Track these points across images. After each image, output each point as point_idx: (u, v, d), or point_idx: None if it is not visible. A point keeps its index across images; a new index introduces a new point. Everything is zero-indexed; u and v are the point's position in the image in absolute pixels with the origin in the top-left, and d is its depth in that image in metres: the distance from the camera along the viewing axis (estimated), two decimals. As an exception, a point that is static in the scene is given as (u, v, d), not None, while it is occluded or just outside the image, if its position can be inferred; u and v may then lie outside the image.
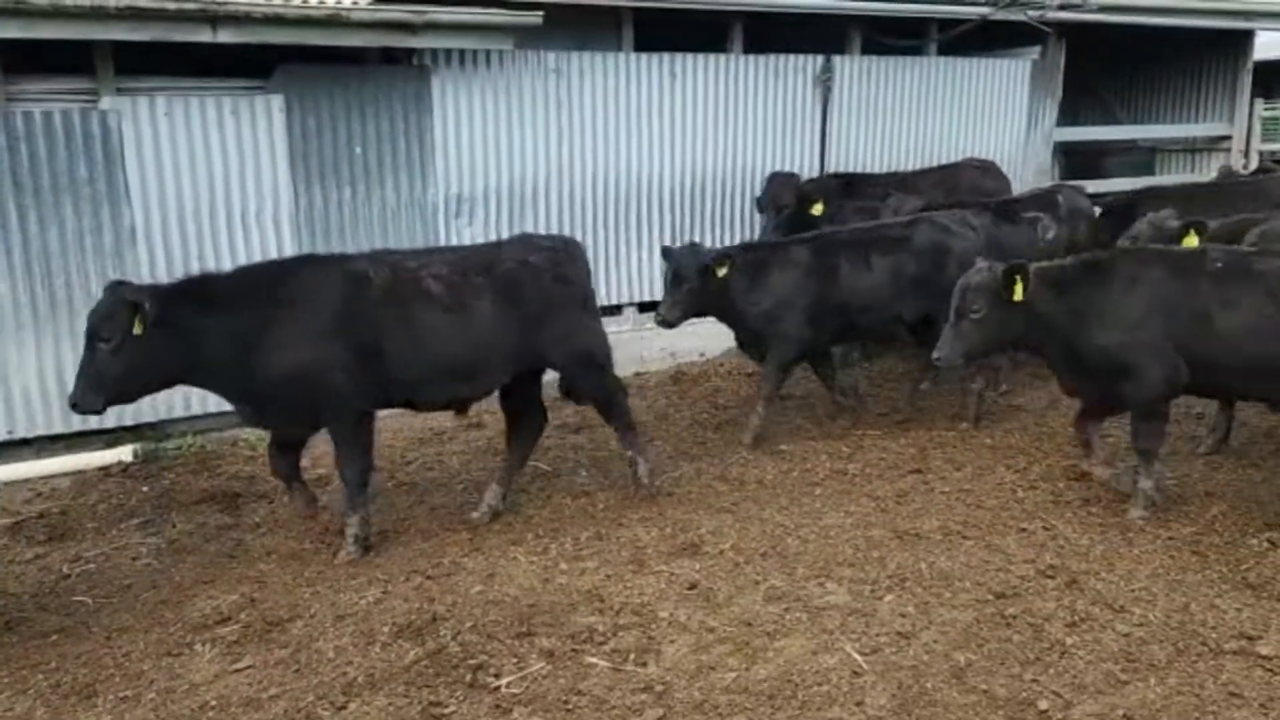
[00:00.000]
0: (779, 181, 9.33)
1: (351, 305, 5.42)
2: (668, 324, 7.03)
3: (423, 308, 5.54)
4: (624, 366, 8.58)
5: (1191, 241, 6.38)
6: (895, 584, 4.97)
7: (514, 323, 5.76)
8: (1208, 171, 13.03)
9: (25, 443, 7.12)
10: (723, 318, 7.32)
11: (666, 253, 7.26)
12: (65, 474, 6.93)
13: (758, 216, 9.84)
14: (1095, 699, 4.03)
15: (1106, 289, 5.50)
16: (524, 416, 6.25)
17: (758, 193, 9.79)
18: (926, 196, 8.99)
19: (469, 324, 5.61)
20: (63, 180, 7.05)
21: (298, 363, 5.28)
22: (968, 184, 9.39)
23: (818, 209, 8.83)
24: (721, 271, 6.90)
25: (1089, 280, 5.55)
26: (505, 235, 8.65)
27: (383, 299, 5.47)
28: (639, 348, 9.11)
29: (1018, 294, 5.46)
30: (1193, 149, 13.19)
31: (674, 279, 6.95)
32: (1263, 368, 5.32)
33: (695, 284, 6.87)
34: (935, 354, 5.72)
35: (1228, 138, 12.86)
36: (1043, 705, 3.99)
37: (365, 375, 5.43)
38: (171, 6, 6.74)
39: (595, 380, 6.15)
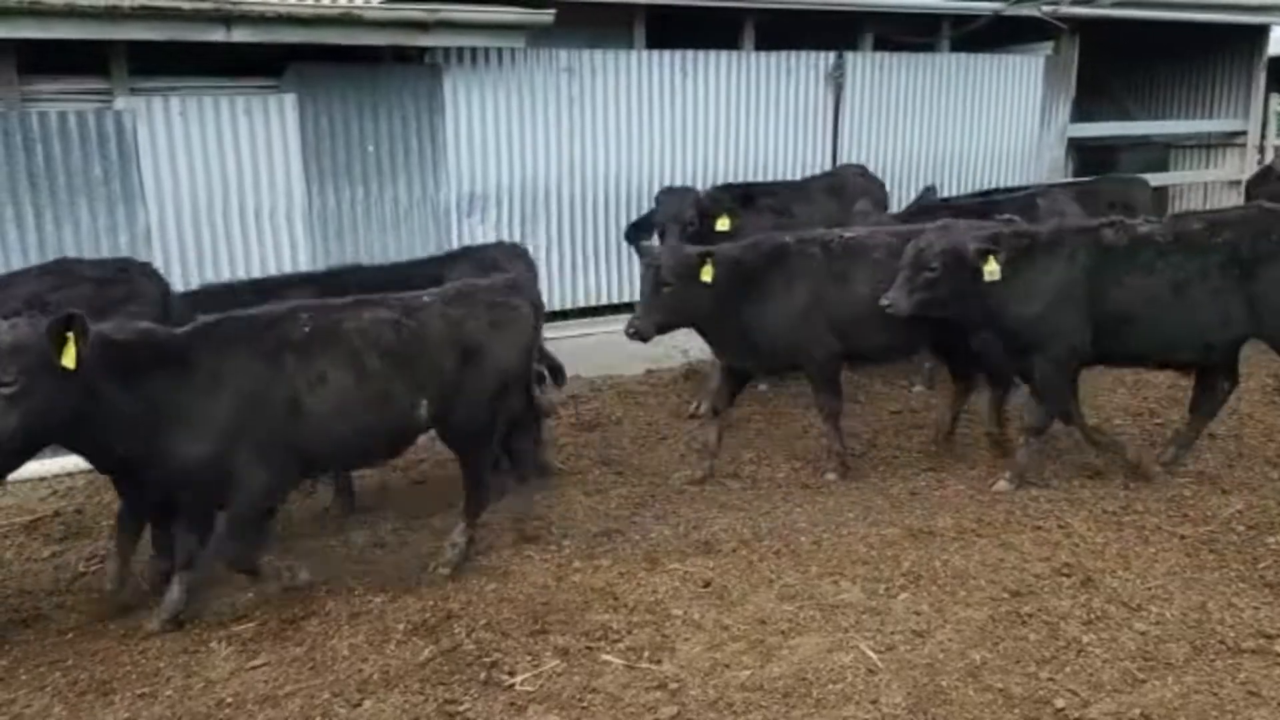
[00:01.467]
0: (677, 197, 8.09)
1: None
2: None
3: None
4: (634, 365, 8.64)
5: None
6: (909, 582, 4.96)
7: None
8: (1222, 167, 12.98)
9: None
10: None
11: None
12: (81, 472, 6.95)
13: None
14: (1112, 697, 4.01)
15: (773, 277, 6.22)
16: None
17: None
18: (820, 205, 8.57)
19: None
20: (78, 180, 7.08)
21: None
22: (855, 190, 8.79)
23: (723, 223, 7.91)
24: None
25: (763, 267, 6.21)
26: (517, 234, 8.70)
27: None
28: (649, 345, 9.08)
29: (706, 275, 5.92)
30: (1207, 145, 13.12)
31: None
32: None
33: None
34: (628, 328, 6.08)
35: (1242, 133, 12.79)
36: (1059, 704, 3.97)
37: None
38: (186, 6, 6.77)
39: None
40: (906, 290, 5.84)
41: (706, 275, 6.06)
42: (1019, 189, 9.18)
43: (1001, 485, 6.07)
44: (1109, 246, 5.90)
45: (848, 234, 6.67)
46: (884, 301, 5.89)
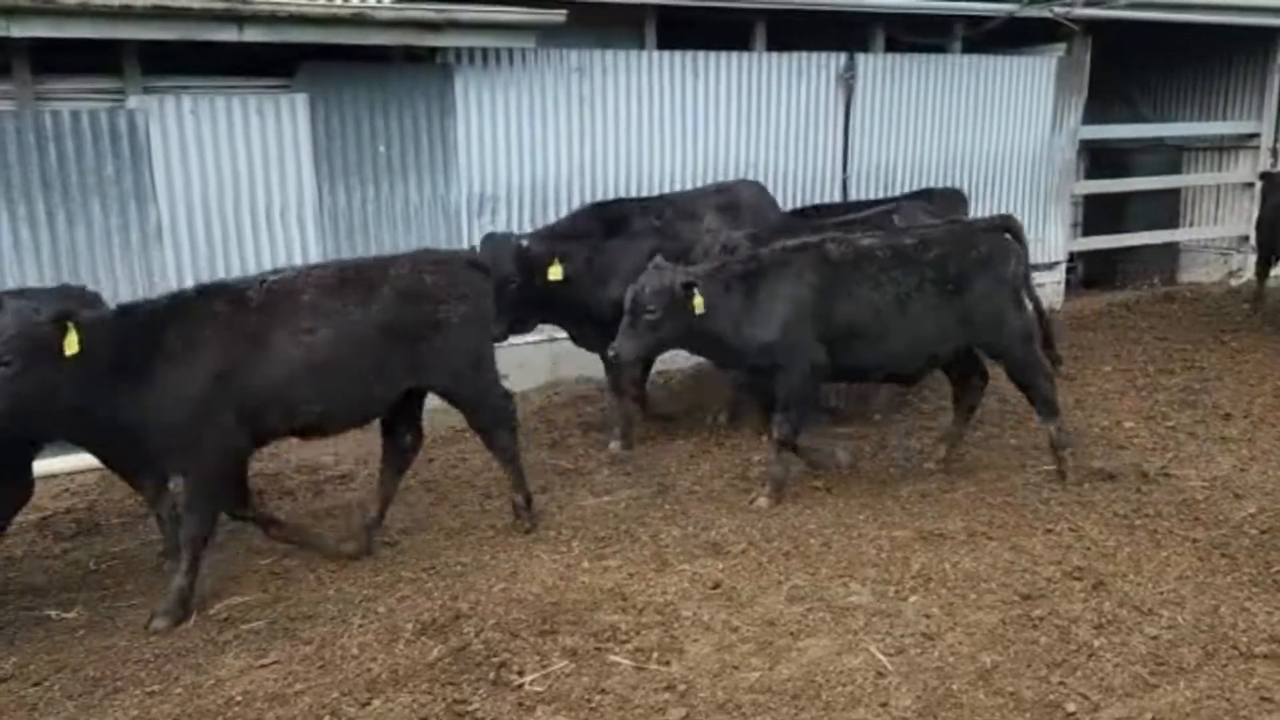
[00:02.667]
0: (494, 247, 6.82)
1: None
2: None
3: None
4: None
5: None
6: (919, 585, 4.94)
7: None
8: (1235, 169, 12.91)
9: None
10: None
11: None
12: (93, 469, 6.97)
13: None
14: (1123, 702, 3.99)
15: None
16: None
17: (782, 191, 9.74)
18: (710, 220, 7.81)
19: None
20: (90, 179, 7.10)
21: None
22: (749, 203, 8.28)
23: (555, 272, 6.79)
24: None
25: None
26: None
27: None
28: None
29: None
30: (1220, 147, 13.05)
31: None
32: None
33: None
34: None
35: (1256, 135, 12.71)
36: (1070, 708, 3.96)
37: None
38: (198, 5, 6.79)
39: None
40: (631, 335, 5.79)
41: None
42: (875, 202, 8.75)
43: (762, 502, 6.08)
44: (836, 262, 5.99)
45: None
46: (610, 351, 5.88)
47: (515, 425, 5.88)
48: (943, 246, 6.11)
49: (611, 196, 9.04)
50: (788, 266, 5.96)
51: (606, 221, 7.46)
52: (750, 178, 9.68)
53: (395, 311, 5.24)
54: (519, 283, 6.71)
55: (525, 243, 6.90)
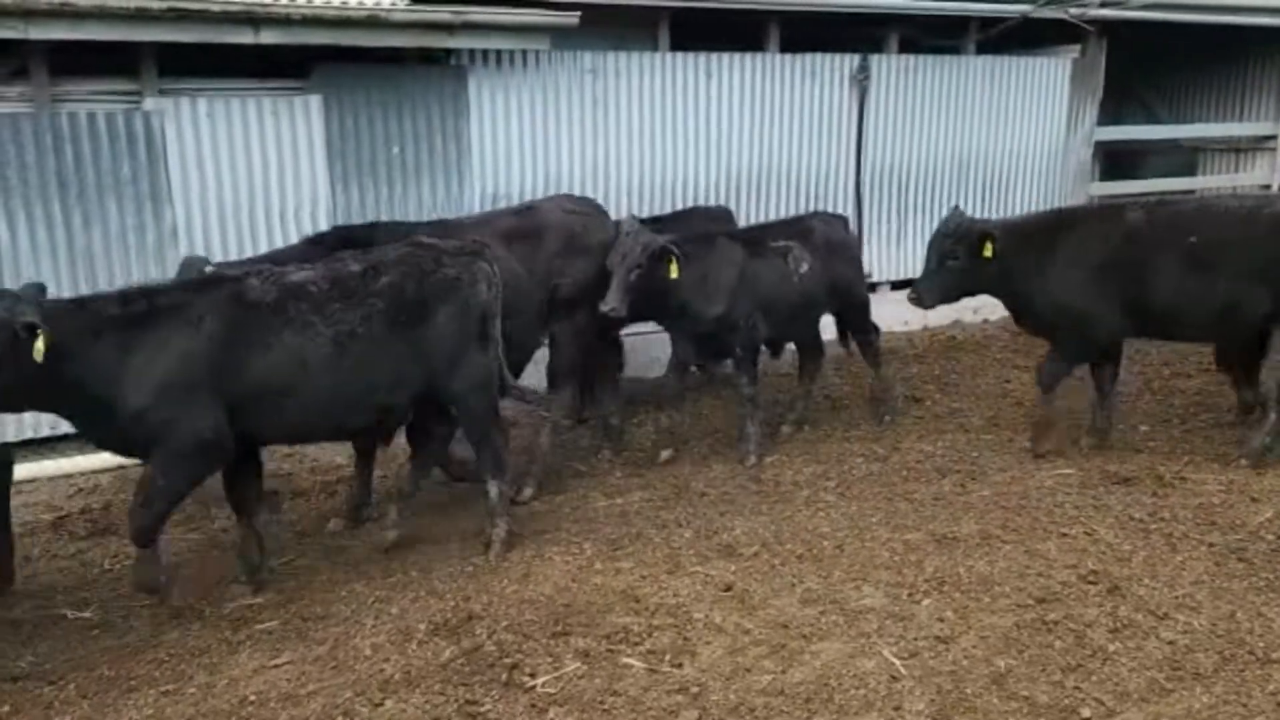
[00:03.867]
0: (184, 268, 5.96)
1: None
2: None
3: None
4: (656, 368, 8.60)
5: None
6: (933, 588, 4.92)
7: None
8: (1251, 171, 12.83)
9: (67, 438, 7.21)
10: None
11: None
12: (107, 469, 7.02)
13: (793, 213, 9.75)
14: (1139, 707, 3.97)
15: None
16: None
17: (796, 193, 9.73)
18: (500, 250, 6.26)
19: None
20: (107, 180, 7.15)
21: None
22: (556, 226, 6.77)
23: None
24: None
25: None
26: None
27: None
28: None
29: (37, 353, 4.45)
30: (1237, 149, 12.96)
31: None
32: None
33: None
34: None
35: (1273, 137, 12.63)
36: (1085, 713, 3.93)
37: None
38: (214, 8, 6.82)
39: None
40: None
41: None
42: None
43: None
44: (252, 304, 4.92)
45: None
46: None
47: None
48: (397, 272, 5.21)
49: (624, 198, 9.03)
50: (182, 312, 4.82)
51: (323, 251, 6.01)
52: (764, 179, 9.65)
53: None
54: None
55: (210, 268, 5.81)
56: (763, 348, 7.28)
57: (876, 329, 7.80)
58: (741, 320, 6.81)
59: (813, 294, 7.21)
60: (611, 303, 6.26)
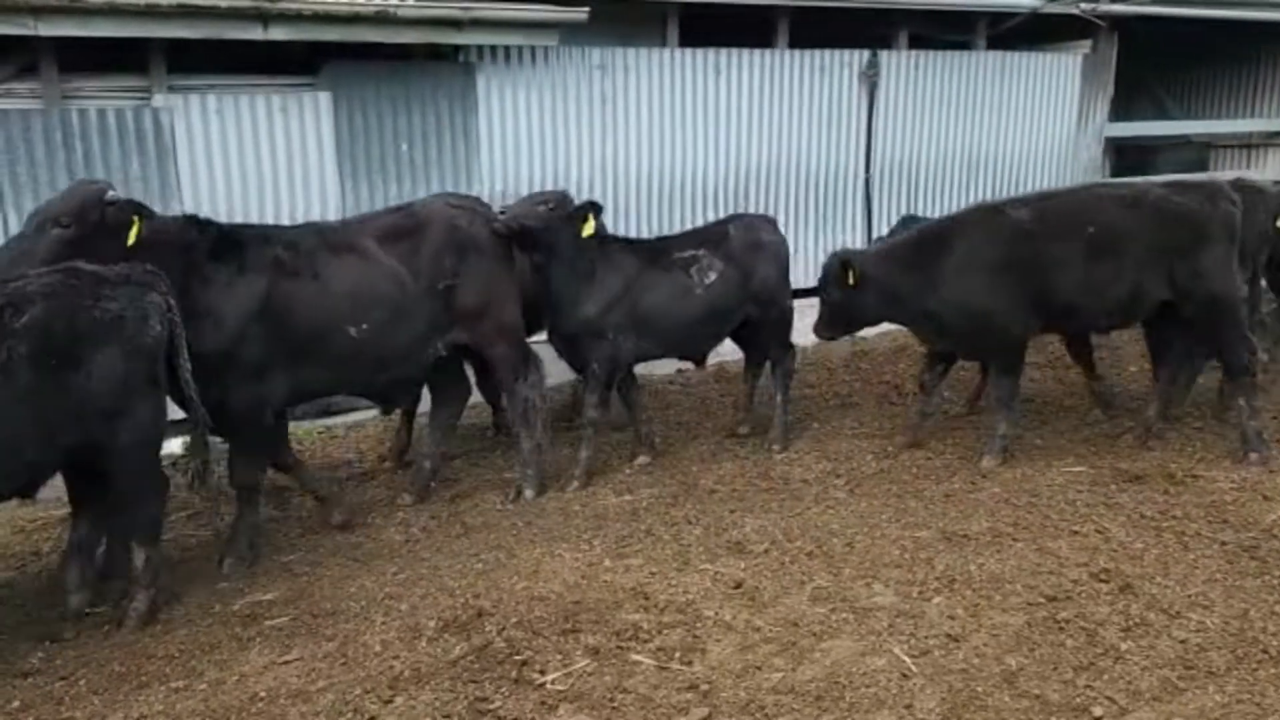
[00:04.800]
0: None
1: None
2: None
3: None
4: (664, 364, 8.60)
5: None
6: (944, 586, 4.90)
7: None
8: (1263, 167, 12.76)
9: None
10: None
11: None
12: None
13: (802, 210, 9.71)
14: (1151, 706, 3.95)
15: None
16: None
17: (805, 189, 9.70)
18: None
19: None
20: (116, 176, 7.14)
21: None
22: (440, 227, 6.07)
23: None
24: None
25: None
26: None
27: None
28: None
29: None
30: (1248, 145, 12.90)
31: None
32: None
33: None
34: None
35: (1285, 133, 12.60)
36: (1097, 711, 3.91)
37: None
38: (224, 4, 6.82)
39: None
40: None
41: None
42: None
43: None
44: None
45: None
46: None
47: None
48: (43, 306, 4.38)
49: (633, 194, 9.02)
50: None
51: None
52: (773, 175, 9.64)
53: None
54: None
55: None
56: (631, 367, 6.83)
57: (792, 348, 7.26)
58: (609, 332, 6.47)
59: (720, 305, 6.81)
60: None
